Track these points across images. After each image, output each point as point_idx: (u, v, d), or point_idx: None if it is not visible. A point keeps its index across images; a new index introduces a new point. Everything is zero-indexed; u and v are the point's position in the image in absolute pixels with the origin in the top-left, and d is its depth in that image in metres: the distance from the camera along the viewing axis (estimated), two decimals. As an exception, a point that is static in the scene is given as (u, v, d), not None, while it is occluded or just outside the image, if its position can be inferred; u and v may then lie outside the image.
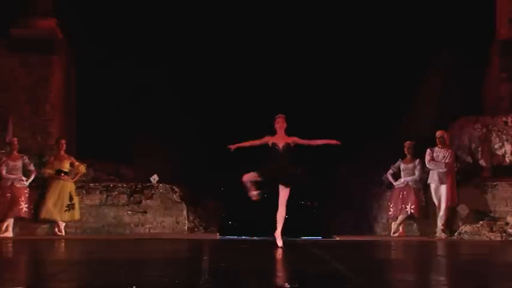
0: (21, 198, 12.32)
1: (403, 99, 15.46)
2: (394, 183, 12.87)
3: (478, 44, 14.80)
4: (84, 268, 7.87)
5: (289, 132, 9.85)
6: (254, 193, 9.54)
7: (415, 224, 12.92)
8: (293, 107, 14.33)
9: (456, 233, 12.09)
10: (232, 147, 9.71)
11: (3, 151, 13.07)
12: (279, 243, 9.71)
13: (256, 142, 9.74)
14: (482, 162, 13.24)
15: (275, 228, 9.73)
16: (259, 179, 9.57)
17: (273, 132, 9.85)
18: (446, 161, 12.27)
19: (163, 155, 15.40)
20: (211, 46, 15.59)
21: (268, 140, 9.74)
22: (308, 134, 9.68)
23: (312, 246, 10.33)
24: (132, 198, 12.95)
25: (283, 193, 9.67)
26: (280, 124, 9.82)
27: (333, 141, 9.75)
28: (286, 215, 9.73)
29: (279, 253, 9.38)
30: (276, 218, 9.70)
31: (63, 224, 12.49)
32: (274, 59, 15.34)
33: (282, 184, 9.65)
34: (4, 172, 12.42)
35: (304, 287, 6.20)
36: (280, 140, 9.74)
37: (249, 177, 9.57)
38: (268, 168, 9.65)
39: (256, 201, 9.58)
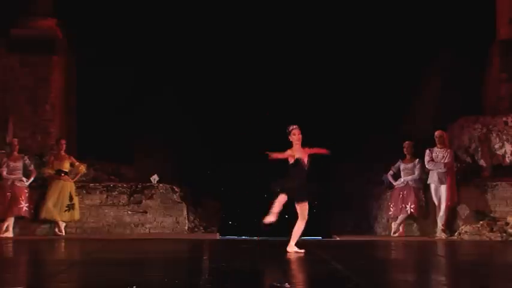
0: (21, 197, 12.32)
1: (403, 99, 15.45)
2: (394, 184, 12.87)
3: (478, 44, 14.79)
4: (84, 268, 7.87)
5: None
6: (272, 219, 9.06)
7: (415, 224, 12.93)
8: (293, 107, 14.38)
9: (456, 233, 12.09)
10: (272, 155, 9.04)
11: (4, 151, 13.07)
12: (300, 250, 9.13)
13: (280, 155, 9.10)
14: (482, 162, 13.23)
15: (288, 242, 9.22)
16: (286, 199, 9.06)
17: (288, 145, 9.22)
18: (446, 161, 12.27)
19: (163, 155, 15.37)
20: (212, 46, 15.57)
21: (292, 154, 9.13)
22: (308, 134, 9.58)
23: (312, 246, 10.33)
24: (132, 198, 12.96)
25: (300, 210, 9.15)
26: (297, 136, 9.16)
27: (324, 151, 9.30)
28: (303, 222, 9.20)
29: (279, 253, 9.38)
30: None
31: (63, 224, 12.49)
32: (273, 59, 15.31)
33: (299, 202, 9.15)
34: (5, 173, 12.43)
35: (304, 287, 6.20)
36: (302, 154, 9.17)
37: (278, 207, 9.07)
38: (293, 185, 9.10)
39: (268, 224, 9.09)
